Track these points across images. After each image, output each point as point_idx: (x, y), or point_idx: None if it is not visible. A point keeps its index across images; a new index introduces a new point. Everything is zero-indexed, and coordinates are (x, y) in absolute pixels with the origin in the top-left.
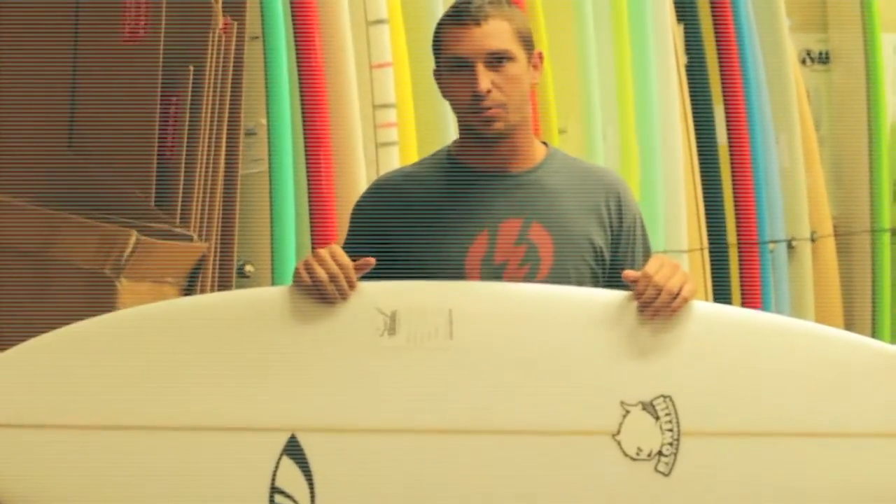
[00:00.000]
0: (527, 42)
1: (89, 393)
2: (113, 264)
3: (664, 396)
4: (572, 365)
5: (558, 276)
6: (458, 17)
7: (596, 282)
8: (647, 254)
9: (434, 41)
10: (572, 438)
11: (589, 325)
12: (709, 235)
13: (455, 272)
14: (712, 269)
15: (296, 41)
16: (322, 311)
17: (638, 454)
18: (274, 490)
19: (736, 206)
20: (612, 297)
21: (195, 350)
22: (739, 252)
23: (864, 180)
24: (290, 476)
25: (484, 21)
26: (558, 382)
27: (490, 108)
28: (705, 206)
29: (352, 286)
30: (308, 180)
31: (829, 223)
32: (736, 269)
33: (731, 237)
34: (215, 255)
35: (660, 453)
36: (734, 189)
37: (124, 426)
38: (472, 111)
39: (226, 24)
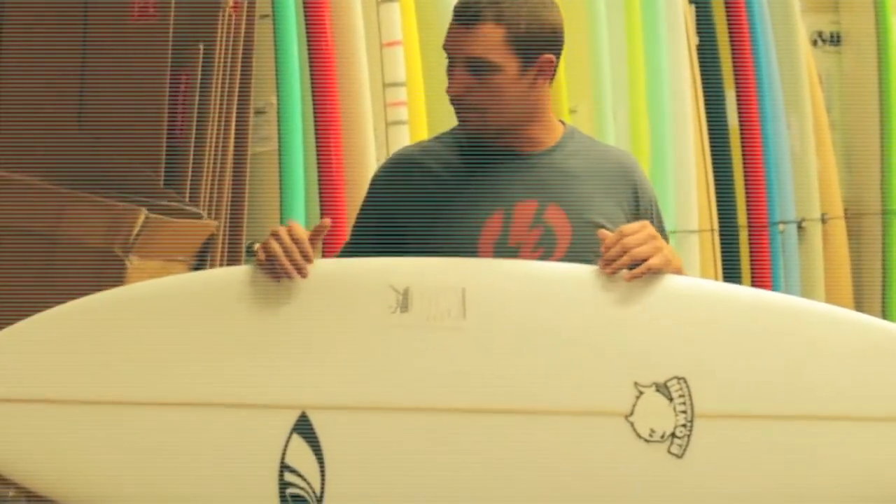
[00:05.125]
0: (525, 49)
1: (98, 368)
2: (122, 242)
3: (678, 378)
4: (586, 345)
5: (573, 260)
6: (455, 12)
7: None
8: (663, 237)
9: None
10: (585, 419)
11: (604, 305)
12: (719, 217)
13: (467, 252)
14: (722, 250)
15: (306, 19)
16: (334, 287)
17: (651, 436)
18: (284, 467)
19: (746, 186)
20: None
21: (205, 325)
22: (750, 233)
23: (875, 162)
24: (300, 453)
25: (475, 24)
26: (572, 363)
27: (466, 110)
28: (716, 187)
29: (307, 259)
30: (318, 159)
31: (840, 205)
32: (746, 251)
33: (742, 219)
34: (224, 234)
35: (673, 435)
36: (745, 170)
37: (134, 402)
38: (454, 105)
39: (236, 2)
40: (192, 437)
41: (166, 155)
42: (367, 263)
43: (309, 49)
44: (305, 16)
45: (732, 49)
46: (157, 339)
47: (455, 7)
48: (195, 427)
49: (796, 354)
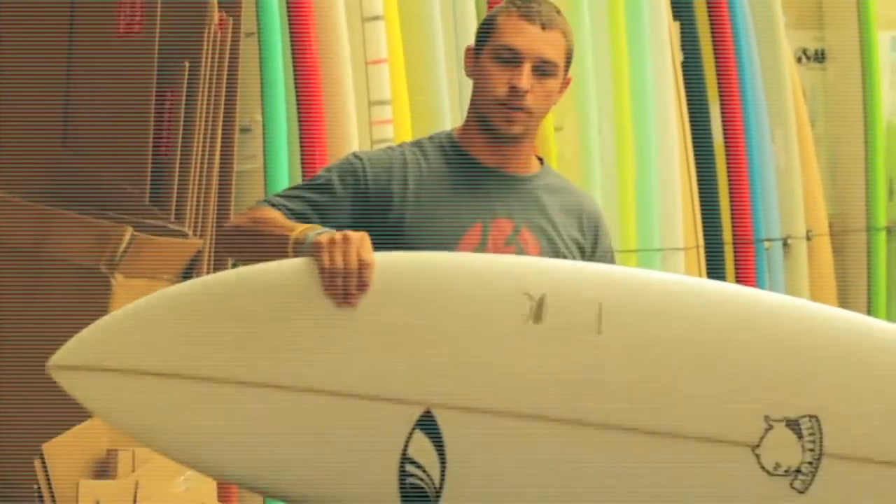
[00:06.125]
0: (568, 62)
1: (232, 347)
2: (108, 260)
3: (811, 416)
4: (721, 371)
5: None
6: (527, 12)
7: None
8: None
9: (488, 23)
10: (712, 445)
11: (744, 332)
12: (704, 233)
13: None
14: (708, 267)
15: (291, 37)
16: (467, 287)
17: (775, 469)
18: (405, 459)
19: (731, 203)
20: (773, 302)
21: (338, 314)
22: (735, 250)
23: (860, 178)
24: (422, 448)
25: (549, 27)
26: (705, 387)
27: (519, 109)
28: (701, 203)
29: (363, 287)
30: (303, 177)
31: (825, 221)
32: (731, 267)
33: (727, 235)
34: (210, 253)
35: (798, 471)
36: (730, 187)
37: (268, 384)
38: (500, 104)
39: (221, 20)
40: (315, 421)
41: (151, 173)
42: (503, 265)
43: (294, 67)
44: (290, 34)
45: (717, 65)
46: (287, 324)
47: (527, 10)
48: (319, 412)
49: None
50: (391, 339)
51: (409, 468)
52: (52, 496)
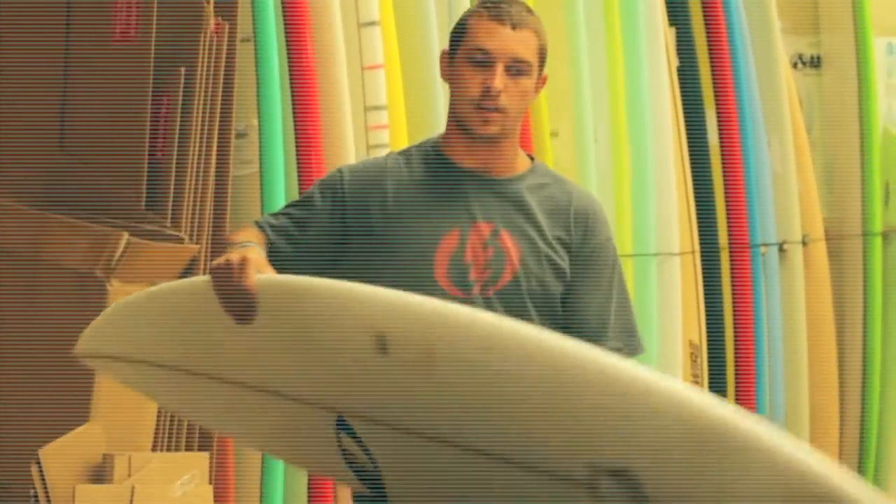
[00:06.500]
0: (542, 61)
1: (182, 342)
2: (104, 266)
3: (626, 470)
4: (547, 420)
5: (518, 287)
6: (497, 13)
7: (555, 300)
8: (620, 286)
9: (460, 27)
10: (553, 480)
11: (579, 384)
12: (700, 238)
13: (424, 263)
14: (703, 272)
15: (287, 42)
16: (330, 317)
17: None
18: (343, 451)
19: (727, 208)
20: (612, 365)
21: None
22: (731, 255)
23: (856, 183)
24: (351, 445)
25: (520, 26)
26: (537, 433)
27: (494, 109)
28: (696, 208)
29: (247, 310)
30: (299, 182)
31: (821, 227)
32: (727, 273)
33: (723, 240)
34: (206, 257)
35: None
36: (725, 192)
37: (206, 375)
38: (475, 105)
39: (217, 25)
40: (263, 413)
41: (147, 178)
42: (358, 299)
43: (290, 72)
44: (286, 39)
45: (713, 70)
46: (221, 326)
47: (494, 7)
48: (264, 407)
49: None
50: (288, 352)
51: (350, 458)
52: (49, 501)
